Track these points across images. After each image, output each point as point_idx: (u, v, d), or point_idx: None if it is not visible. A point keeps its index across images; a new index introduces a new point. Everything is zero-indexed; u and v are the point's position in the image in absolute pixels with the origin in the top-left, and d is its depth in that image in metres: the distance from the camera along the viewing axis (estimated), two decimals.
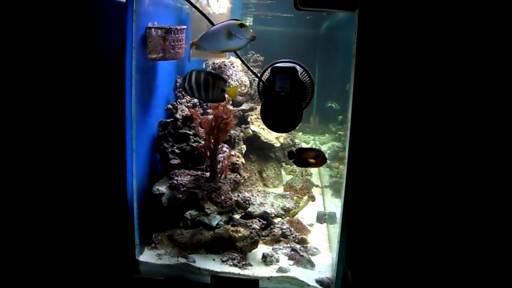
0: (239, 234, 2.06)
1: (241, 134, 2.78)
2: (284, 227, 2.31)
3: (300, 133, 4.23)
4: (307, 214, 2.62)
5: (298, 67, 1.92)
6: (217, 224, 2.07)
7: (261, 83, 1.94)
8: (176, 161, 2.19)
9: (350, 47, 1.72)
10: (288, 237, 2.29)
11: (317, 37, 3.63)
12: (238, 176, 2.21)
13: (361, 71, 1.61)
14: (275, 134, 3.22)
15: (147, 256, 2.07)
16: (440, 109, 1.81)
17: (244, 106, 2.91)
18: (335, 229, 2.14)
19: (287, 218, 2.42)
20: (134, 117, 1.90)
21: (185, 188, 2.06)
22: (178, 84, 2.47)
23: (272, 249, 2.18)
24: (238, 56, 1.88)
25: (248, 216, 2.27)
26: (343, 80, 2.00)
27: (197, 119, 2.17)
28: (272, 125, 1.84)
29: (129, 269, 2.01)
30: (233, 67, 2.87)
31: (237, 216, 2.20)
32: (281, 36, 3.50)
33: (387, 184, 1.92)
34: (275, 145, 3.01)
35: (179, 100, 2.41)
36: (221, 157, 2.24)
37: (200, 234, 2.07)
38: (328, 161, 3.22)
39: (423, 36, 1.75)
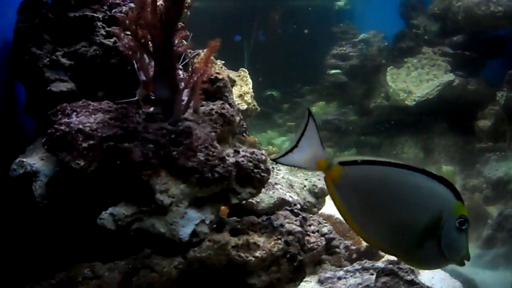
0: (257, 253, 0.77)
1: None
2: (325, 229, 1.06)
3: None
4: None
5: None
6: (193, 232, 0.76)
7: None
8: (63, 86, 0.85)
9: None
10: (337, 249, 1.05)
11: None
12: (227, 106, 0.88)
13: None
14: None
15: None
16: None
17: None
18: None
19: (320, 212, 1.17)
20: None
21: (94, 141, 0.74)
22: None
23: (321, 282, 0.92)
24: None
25: (243, 211, 0.99)
26: None
27: None
28: None
29: None
30: None
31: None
32: None
33: None
34: None
35: None
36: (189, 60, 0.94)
37: (146, 272, 0.74)
38: None
39: None
